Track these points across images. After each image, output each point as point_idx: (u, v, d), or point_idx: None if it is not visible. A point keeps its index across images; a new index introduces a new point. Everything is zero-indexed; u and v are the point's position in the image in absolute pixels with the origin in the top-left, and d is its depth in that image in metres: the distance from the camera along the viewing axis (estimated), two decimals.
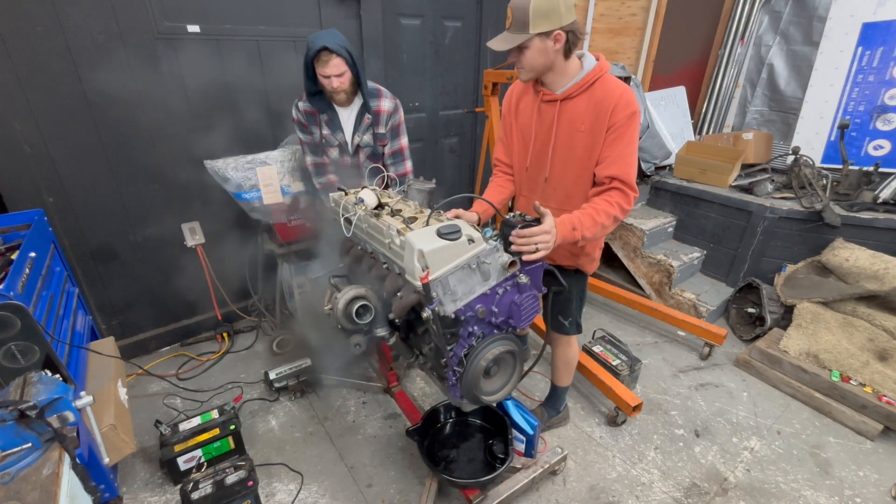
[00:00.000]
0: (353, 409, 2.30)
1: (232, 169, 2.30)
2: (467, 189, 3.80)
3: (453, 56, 3.35)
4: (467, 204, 1.68)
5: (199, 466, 1.88)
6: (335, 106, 2.13)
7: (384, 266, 1.50)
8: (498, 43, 1.43)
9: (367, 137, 2.19)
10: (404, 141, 2.26)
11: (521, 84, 1.66)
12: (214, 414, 1.96)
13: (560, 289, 1.51)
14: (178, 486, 1.76)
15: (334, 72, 1.92)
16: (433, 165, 3.60)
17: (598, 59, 1.50)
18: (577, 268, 1.75)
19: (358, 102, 2.13)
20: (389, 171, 2.21)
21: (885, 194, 2.86)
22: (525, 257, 1.32)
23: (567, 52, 1.44)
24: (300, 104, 2.15)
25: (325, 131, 2.17)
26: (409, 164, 2.31)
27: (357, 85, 2.05)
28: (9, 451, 0.88)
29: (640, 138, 3.23)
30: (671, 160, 3.65)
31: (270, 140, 2.63)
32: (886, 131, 3.32)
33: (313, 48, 1.86)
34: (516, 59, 1.45)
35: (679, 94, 4.03)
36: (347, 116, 2.16)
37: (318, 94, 2.07)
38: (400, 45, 3.05)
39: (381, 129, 2.17)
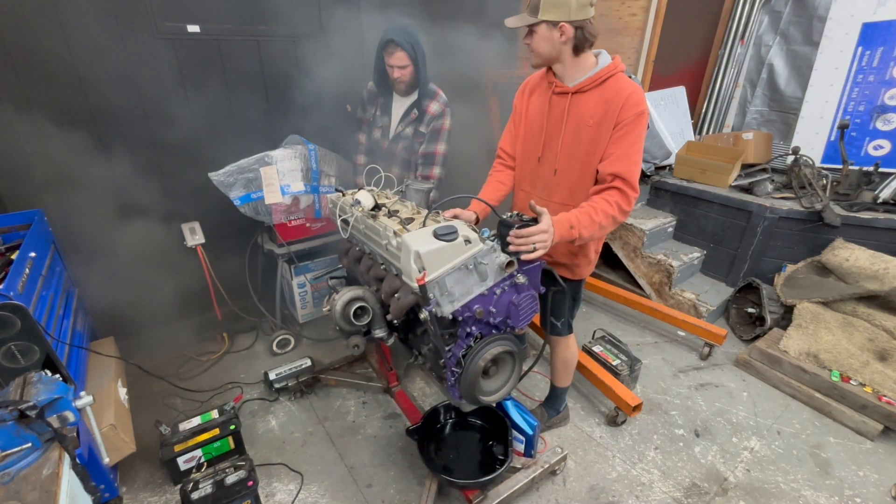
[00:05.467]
0: (353, 409, 2.31)
1: (236, 174, 2.31)
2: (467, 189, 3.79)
3: (453, 56, 3.33)
4: (466, 203, 1.69)
5: (199, 466, 1.88)
6: (394, 93, 2.29)
7: (382, 267, 1.50)
8: (511, 20, 1.48)
9: (409, 130, 2.30)
10: (440, 147, 2.30)
11: (537, 76, 1.67)
12: (214, 414, 1.97)
13: (558, 288, 1.51)
14: (178, 486, 1.76)
15: (397, 63, 2.09)
16: None
17: (613, 59, 1.52)
18: (572, 275, 1.75)
19: (414, 97, 2.25)
20: (417, 171, 2.34)
21: (885, 194, 2.85)
22: (523, 257, 1.32)
23: (576, 49, 1.46)
24: (369, 84, 2.35)
25: (378, 112, 2.35)
26: (437, 171, 2.31)
27: (417, 80, 2.18)
28: (9, 451, 0.89)
29: None
30: (671, 160, 3.65)
31: (269, 140, 2.63)
32: (886, 131, 3.31)
33: (384, 38, 2.06)
34: (529, 41, 1.49)
35: (679, 94, 4.02)
36: (399, 105, 2.31)
37: (383, 78, 2.24)
38: None
39: (422, 128, 2.27)
